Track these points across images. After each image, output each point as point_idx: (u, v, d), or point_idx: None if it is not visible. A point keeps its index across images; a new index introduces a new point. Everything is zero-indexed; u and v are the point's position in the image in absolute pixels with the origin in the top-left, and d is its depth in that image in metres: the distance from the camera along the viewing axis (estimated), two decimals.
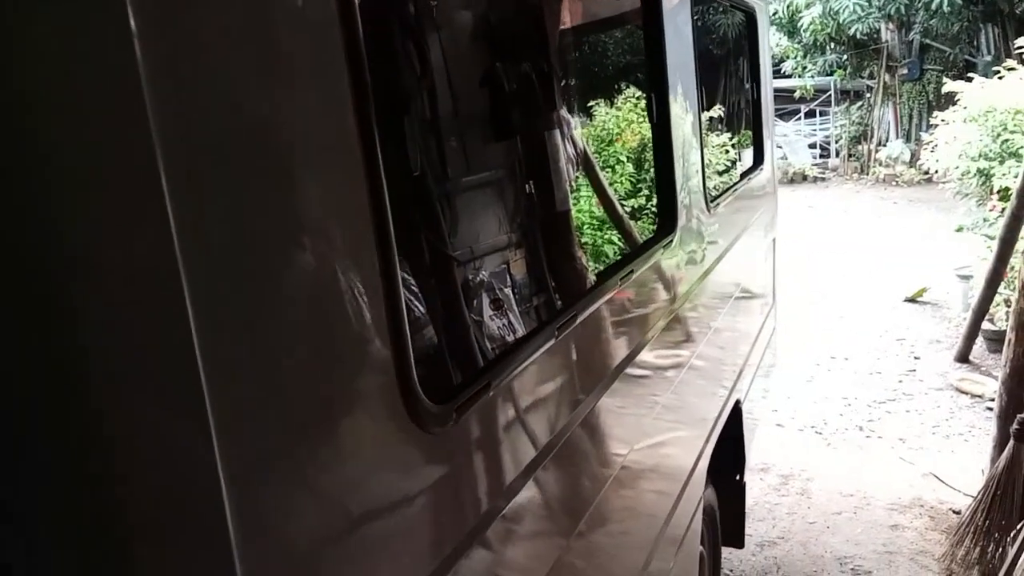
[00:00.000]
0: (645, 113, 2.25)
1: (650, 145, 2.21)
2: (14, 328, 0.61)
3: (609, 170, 3.20)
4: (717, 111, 3.22)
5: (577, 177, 2.24)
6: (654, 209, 2.22)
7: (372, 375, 0.89)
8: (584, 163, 2.28)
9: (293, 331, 0.78)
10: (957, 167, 7.54)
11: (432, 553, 1.00)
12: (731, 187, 2.91)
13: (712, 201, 2.43)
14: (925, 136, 10.30)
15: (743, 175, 3.15)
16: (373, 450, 0.91)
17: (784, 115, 16.38)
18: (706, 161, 2.39)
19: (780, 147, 15.49)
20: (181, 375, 0.66)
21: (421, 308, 1.24)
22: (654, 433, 1.99)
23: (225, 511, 0.69)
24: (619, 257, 2.06)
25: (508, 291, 1.68)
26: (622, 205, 3.34)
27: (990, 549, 3.36)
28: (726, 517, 3.12)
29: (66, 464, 0.64)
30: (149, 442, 0.66)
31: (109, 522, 0.65)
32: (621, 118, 3.35)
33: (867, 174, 15.22)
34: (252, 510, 0.73)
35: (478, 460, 1.12)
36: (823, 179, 15.60)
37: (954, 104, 7.83)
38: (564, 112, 2.08)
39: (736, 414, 3.02)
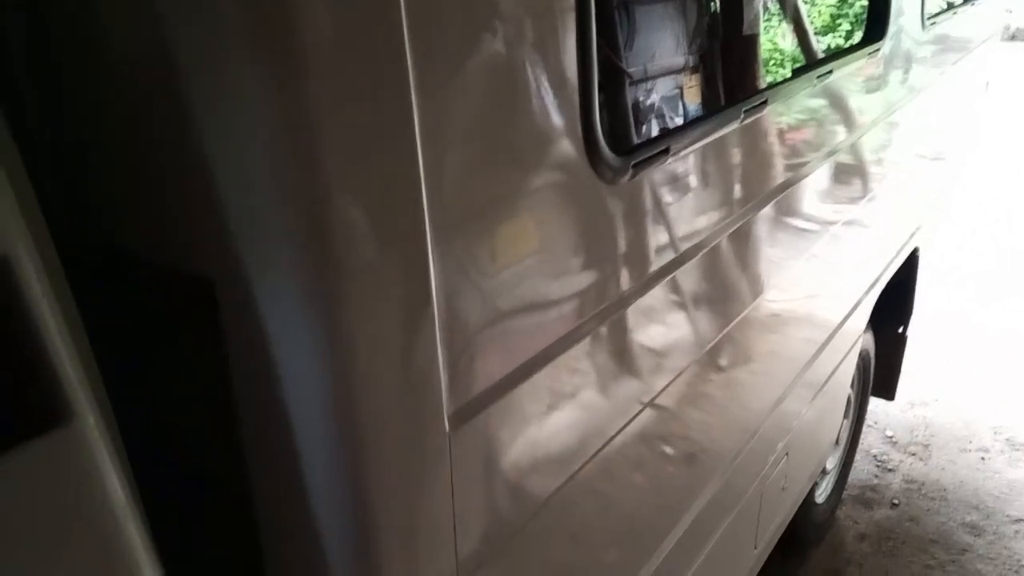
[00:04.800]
0: None
1: None
2: None
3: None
4: None
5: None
6: (856, 39, 2.02)
7: (560, 119, 0.91)
8: None
9: (494, 79, 0.82)
10: None
11: (584, 306, 1.03)
12: (952, 7, 2.59)
13: (928, 18, 2.18)
14: None
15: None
16: (551, 189, 0.93)
17: None
18: None
19: None
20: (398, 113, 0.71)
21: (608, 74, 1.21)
22: (813, 266, 1.91)
23: (428, 257, 0.76)
24: (821, 59, 1.89)
25: (697, 86, 1.58)
26: (820, 34, 3.08)
27: None
28: (881, 367, 3.03)
29: None
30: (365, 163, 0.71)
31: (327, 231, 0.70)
32: None
33: None
34: (450, 248, 0.79)
35: (644, 223, 1.11)
36: None
37: None
38: None
39: (911, 264, 2.85)
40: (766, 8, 2.04)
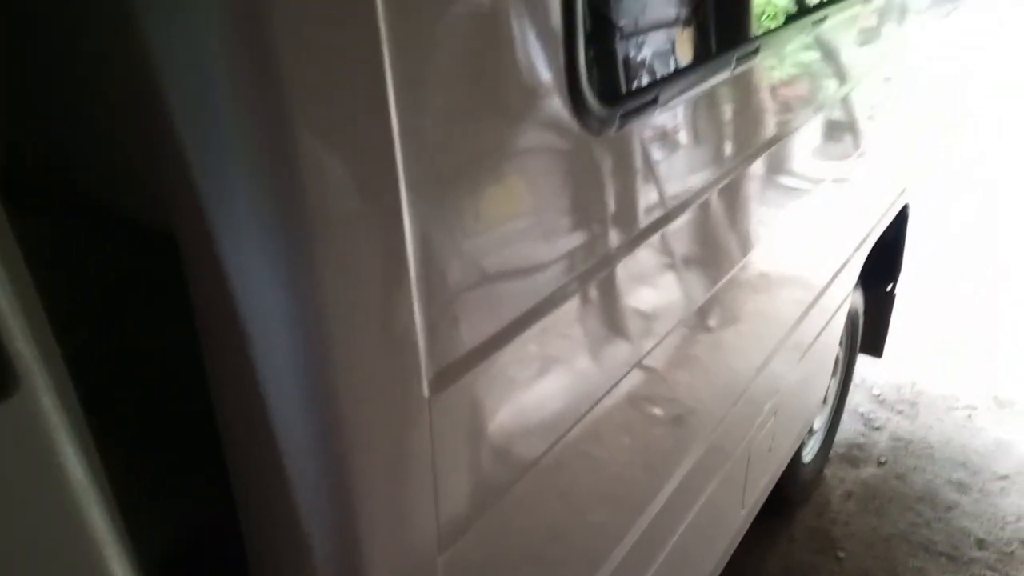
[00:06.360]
0: None
1: None
2: None
3: None
4: None
5: None
6: None
7: (542, 68, 0.86)
8: None
9: (472, 24, 0.77)
10: None
11: (569, 265, 0.99)
12: None
13: None
14: None
15: None
16: (534, 142, 0.88)
17: None
18: None
19: None
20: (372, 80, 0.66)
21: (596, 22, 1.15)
22: (803, 222, 1.86)
23: (402, 210, 0.72)
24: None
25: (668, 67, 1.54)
26: None
27: None
28: (869, 325, 3.01)
29: None
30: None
31: (293, 172, 0.66)
32: None
33: None
34: (425, 196, 0.74)
35: (631, 177, 1.06)
36: None
37: None
38: None
39: (901, 221, 2.81)
40: None
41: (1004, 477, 2.95)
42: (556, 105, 0.89)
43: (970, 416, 3.29)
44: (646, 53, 1.09)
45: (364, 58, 0.66)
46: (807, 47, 1.52)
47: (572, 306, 1.03)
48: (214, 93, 0.64)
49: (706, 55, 1.20)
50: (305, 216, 0.67)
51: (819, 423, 2.90)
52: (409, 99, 0.70)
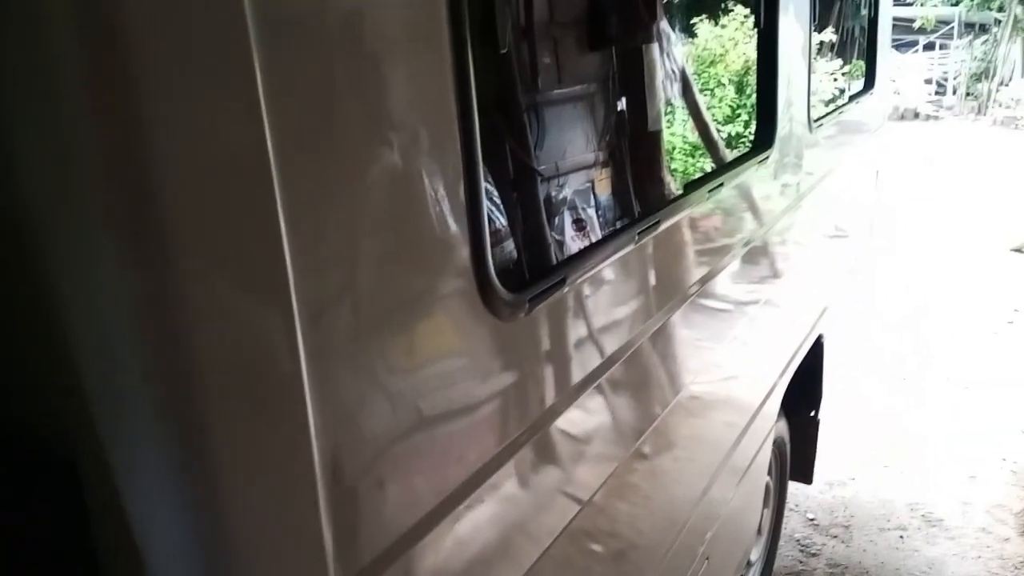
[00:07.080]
0: (750, 33, 2.12)
1: (753, 68, 2.09)
2: None
3: (708, 92, 3.05)
4: (829, 31, 3.01)
5: (671, 98, 2.13)
6: (751, 137, 2.10)
7: (449, 260, 0.89)
8: (681, 82, 2.17)
9: (374, 217, 0.79)
10: None
11: (496, 441, 1.00)
12: (837, 108, 2.73)
13: (815, 121, 2.29)
14: None
15: (851, 97, 2.96)
16: (445, 332, 0.90)
17: (900, 46, 15.41)
18: (812, 73, 2.24)
19: (893, 80, 14.62)
20: (269, 262, 0.67)
21: (500, 206, 1.21)
22: (725, 359, 1.93)
23: (305, 398, 0.71)
24: (710, 172, 1.96)
25: (591, 211, 1.62)
26: (719, 131, 3.19)
27: None
28: (797, 452, 3.06)
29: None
30: (233, 328, 0.66)
31: (191, 400, 0.66)
32: (726, 38, 3.17)
33: (984, 115, 14.29)
34: (332, 394, 0.74)
35: (547, 355, 1.09)
36: (936, 117, 14.73)
37: None
38: (665, 25, 1.97)
39: (817, 349, 2.92)
40: (667, 113, 2.11)
41: None
42: (465, 298, 0.91)
43: (902, 537, 3.33)
44: (552, 236, 1.15)
45: (262, 258, 0.67)
46: (709, 208, 1.61)
47: (494, 484, 1.03)
48: (109, 324, 0.64)
49: (609, 233, 1.26)
50: (205, 441, 0.67)
51: (756, 554, 2.89)
52: (310, 303, 0.71)
